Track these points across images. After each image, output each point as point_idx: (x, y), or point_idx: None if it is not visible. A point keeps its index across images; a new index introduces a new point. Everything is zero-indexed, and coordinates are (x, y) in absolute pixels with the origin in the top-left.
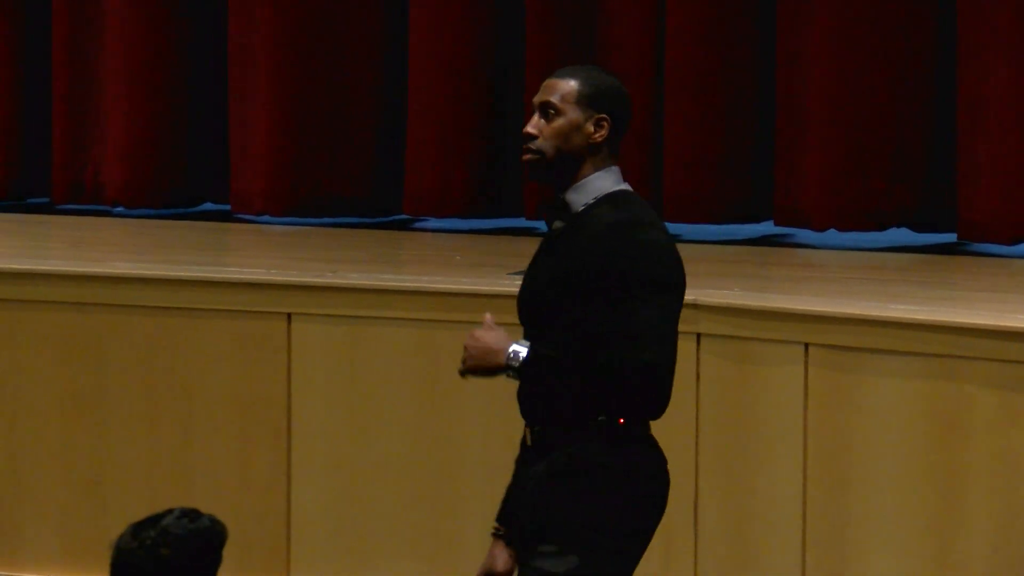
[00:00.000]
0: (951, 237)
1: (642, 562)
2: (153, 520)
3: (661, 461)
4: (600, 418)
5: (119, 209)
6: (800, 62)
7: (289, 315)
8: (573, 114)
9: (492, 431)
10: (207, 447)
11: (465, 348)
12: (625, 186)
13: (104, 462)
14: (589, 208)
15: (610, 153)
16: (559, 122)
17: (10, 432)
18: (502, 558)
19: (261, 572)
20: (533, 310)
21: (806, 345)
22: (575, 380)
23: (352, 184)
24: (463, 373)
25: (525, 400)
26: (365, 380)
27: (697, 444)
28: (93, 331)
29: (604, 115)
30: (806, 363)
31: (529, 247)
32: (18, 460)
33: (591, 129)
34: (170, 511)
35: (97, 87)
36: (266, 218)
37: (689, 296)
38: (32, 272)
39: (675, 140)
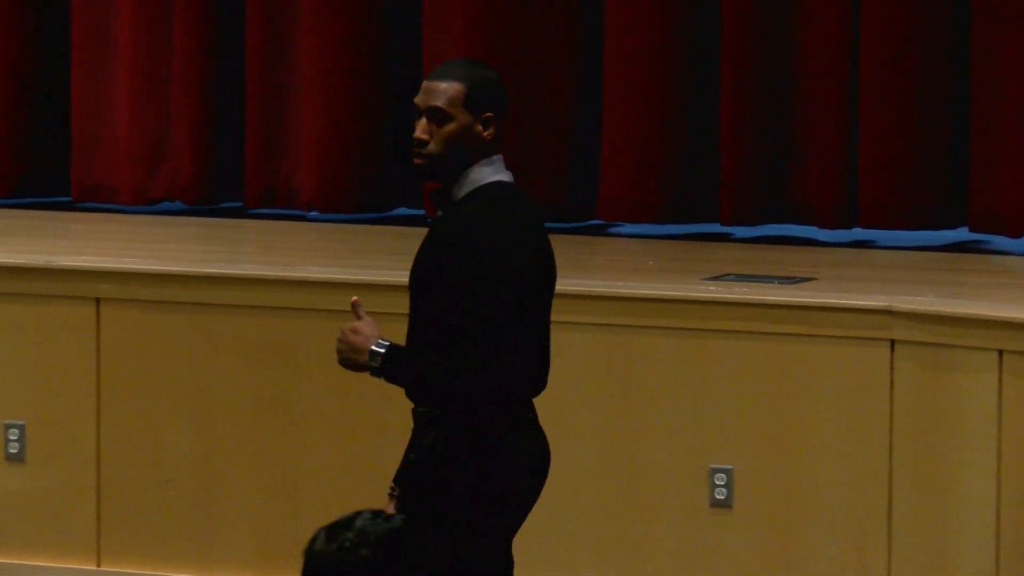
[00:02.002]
0: None
1: (836, 567)
2: (346, 523)
3: (537, 458)
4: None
5: (313, 213)
6: (996, 67)
7: None
8: (463, 117)
9: (683, 436)
10: (401, 451)
11: (337, 342)
12: (501, 176)
13: (298, 466)
14: (462, 200)
15: (494, 143)
16: (450, 127)
17: (205, 435)
18: None
19: None
20: (410, 293)
21: (1000, 352)
22: (428, 374)
23: (546, 189)
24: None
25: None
26: (556, 384)
27: (891, 450)
28: (287, 335)
29: (490, 113)
30: (1000, 370)
31: (723, 252)
32: (212, 463)
33: (480, 129)
34: (358, 513)
35: (290, 92)
36: None
37: (882, 302)
38: (226, 276)
39: (870, 146)
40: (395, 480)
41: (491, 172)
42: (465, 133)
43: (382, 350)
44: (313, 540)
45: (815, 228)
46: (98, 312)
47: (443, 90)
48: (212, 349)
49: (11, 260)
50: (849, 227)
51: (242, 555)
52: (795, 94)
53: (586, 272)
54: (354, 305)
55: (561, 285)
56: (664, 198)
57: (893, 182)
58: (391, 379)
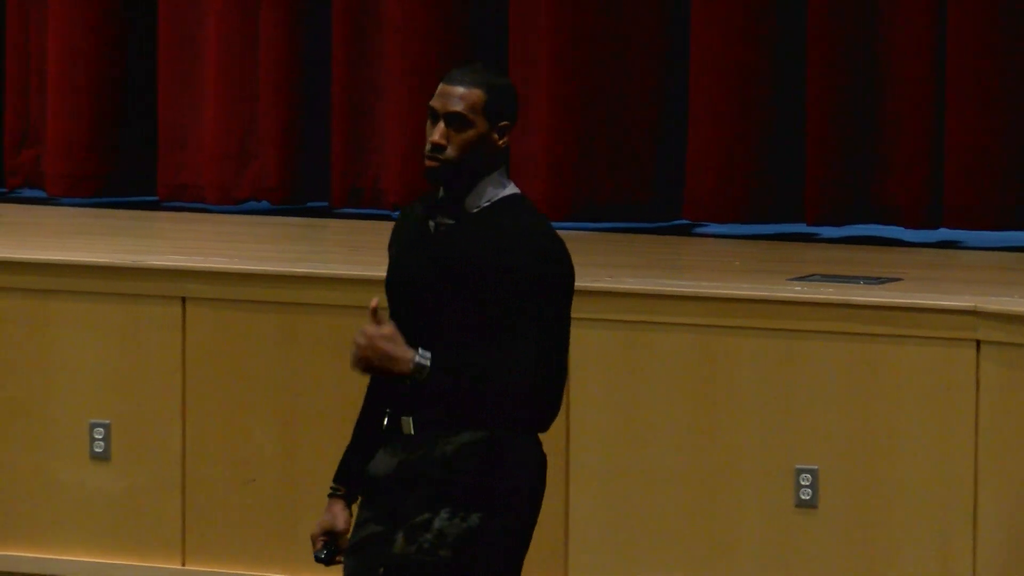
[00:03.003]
0: None
1: (920, 568)
2: (423, 524)
3: (541, 456)
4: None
5: (398, 214)
6: None
7: None
8: (481, 125)
9: (769, 436)
10: None
11: (360, 348)
12: (514, 188)
13: None
14: (484, 211)
15: (505, 152)
16: (469, 134)
17: (289, 435)
18: (342, 516)
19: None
20: (419, 301)
21: None
22: (472, 385)
23: (632, 189)
24: (355, 368)
25: (410, 391)
26: (643, 385)
27: (976, 451)
28: None
29: (506, 122)
30: None
31: (808, 252)
32: (297, 463)
33: (496, 137)
34: (435, 513)
35: (377, 93)
36: None
37: (968, 303)
38: (312, 276)
39: (956, 147)
40: (337, 480)
41: (505, 184)
42: (482, 141)
43: (427, 361)
44: (391, 542)
45: (901, 228)
46: (184, 311)
47: (463, 96)
48: (298, 349)
49: (98, 259)
50: (935, 227)
51: None
52: (881, 94)
53: (672, 272)
54: (376, 310)
55: (648, 285)
56: (750, 198)
57: (979, 182)
58: (434, 388)
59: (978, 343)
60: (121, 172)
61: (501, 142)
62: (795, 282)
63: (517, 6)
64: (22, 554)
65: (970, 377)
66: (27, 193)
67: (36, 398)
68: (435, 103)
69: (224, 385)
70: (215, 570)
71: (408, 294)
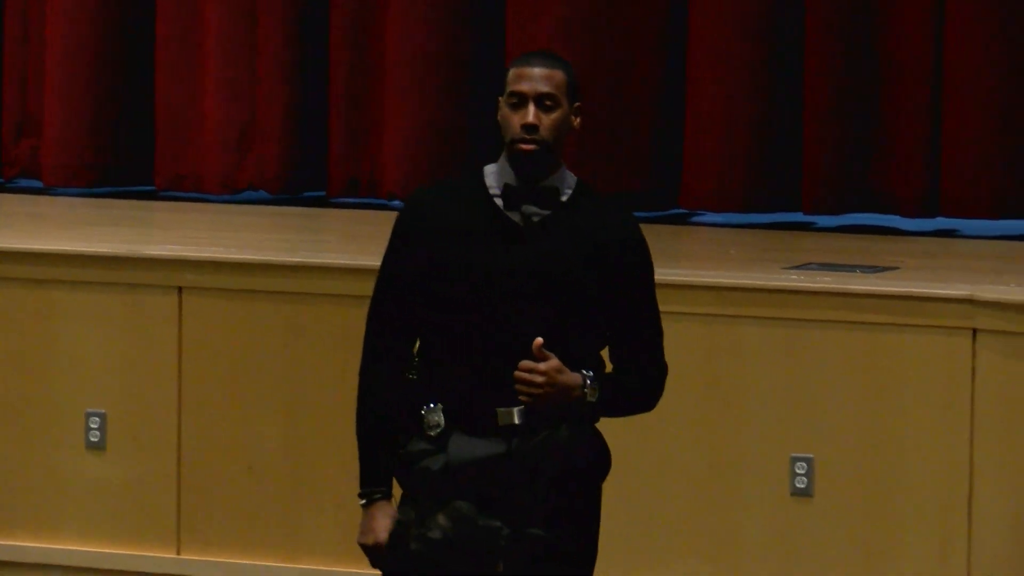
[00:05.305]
0: None
1: (917, 556)
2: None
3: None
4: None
5: (395, 203)
6: None
7: None
8: (566, 106)
9: (765, 424)
10: None
11: (542, 387)
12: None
13: None
14: (575, 196)
15: None
16: (557, 114)
17: (288, 424)
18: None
19: None
20: (523, 296)
21: None
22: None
23: (629, 177)
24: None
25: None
26: None
27: (972, 439)
28: None
29: (579, 103)
30: None
31: (805, 241)
32: (296, 452)
33: (574, 118)
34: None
35: (375, 82)
36: None
37: (964, 291)
38: (310, 265)
39: (953, 135)
40: (377, 483)
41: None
42: (566, 121)
43: (596, 382)
44: (429, 527)
45: (898, 217)
46: (181, 301)
47: (548, 76)
48: (294, 338)
49: (95, 249)
50: (932, 216)
51: (326, 544)
52: (878, 83)
53: (669, 261)
54: (539, 346)
55: None
56: (747, 187)
57: (976, 171)
58: (602, 409)
59: (974, 331)
60: (118, 162)
61: (577, 123)
62: (791, 271)
63: None
64: (17, 543)
65: (966, 365)
66: (24, 183)
67: (34, 387)
68: (522, 87)
69: (220, 375)
70: (210, 559)
71: (509, 289)
